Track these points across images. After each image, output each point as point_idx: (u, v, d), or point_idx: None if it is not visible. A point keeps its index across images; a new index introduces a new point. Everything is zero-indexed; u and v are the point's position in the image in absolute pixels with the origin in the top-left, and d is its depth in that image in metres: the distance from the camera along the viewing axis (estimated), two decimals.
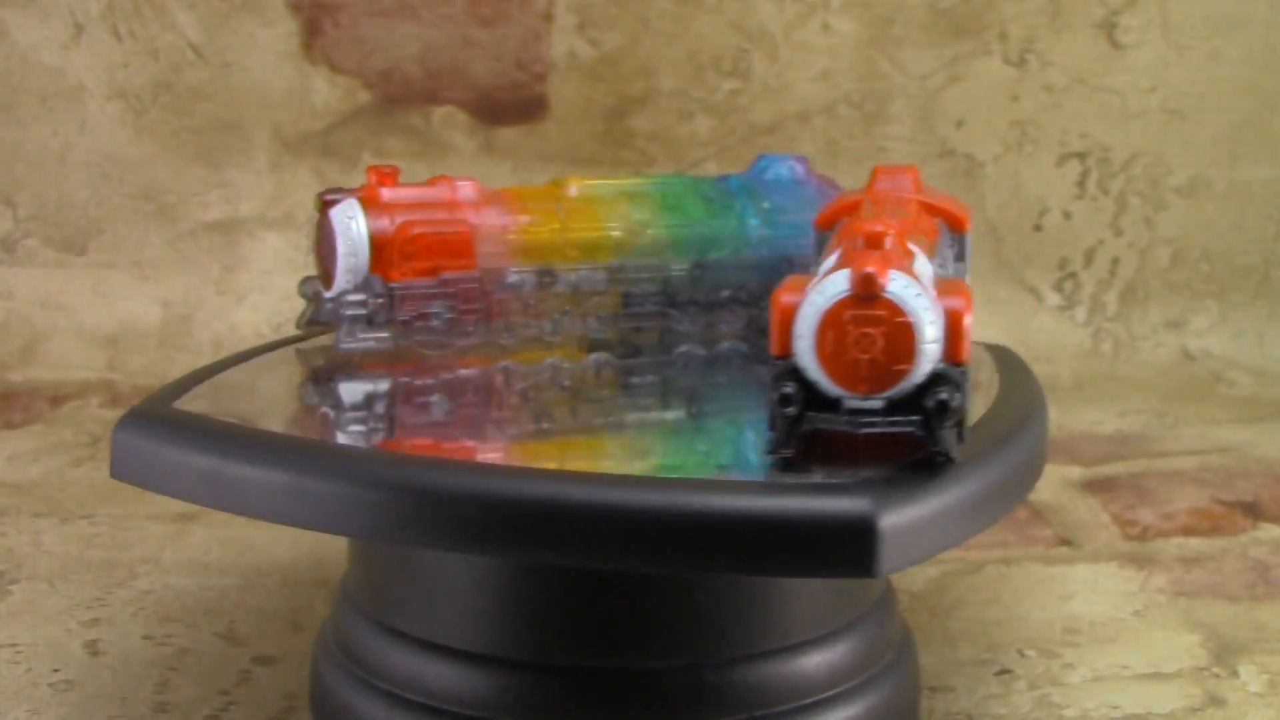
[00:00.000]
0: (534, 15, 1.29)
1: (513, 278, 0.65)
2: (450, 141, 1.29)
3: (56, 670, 0.66)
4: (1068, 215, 1.29)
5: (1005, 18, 1.28)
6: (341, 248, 0.62)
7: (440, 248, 0.63)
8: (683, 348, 0.69)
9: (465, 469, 0.49)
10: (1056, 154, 1.29)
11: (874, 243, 0.49)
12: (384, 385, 0.63)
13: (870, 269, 0.47)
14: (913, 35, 1.29)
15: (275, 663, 0.67)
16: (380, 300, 0.62)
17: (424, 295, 0.63)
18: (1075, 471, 0.97)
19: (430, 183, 0.65)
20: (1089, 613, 0.74)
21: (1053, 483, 0.95)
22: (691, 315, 0.69)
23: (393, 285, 0.62)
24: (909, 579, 0.78)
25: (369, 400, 0.62)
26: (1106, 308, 1.28)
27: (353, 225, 0.63)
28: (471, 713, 0.53)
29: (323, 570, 0.78)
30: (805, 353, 0.47)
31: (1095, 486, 0.95)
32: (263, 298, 1.26)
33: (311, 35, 1.29)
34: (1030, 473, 0.56)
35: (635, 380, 0.66)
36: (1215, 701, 0.64)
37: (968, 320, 0.48)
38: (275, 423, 0.60)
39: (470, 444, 0.58)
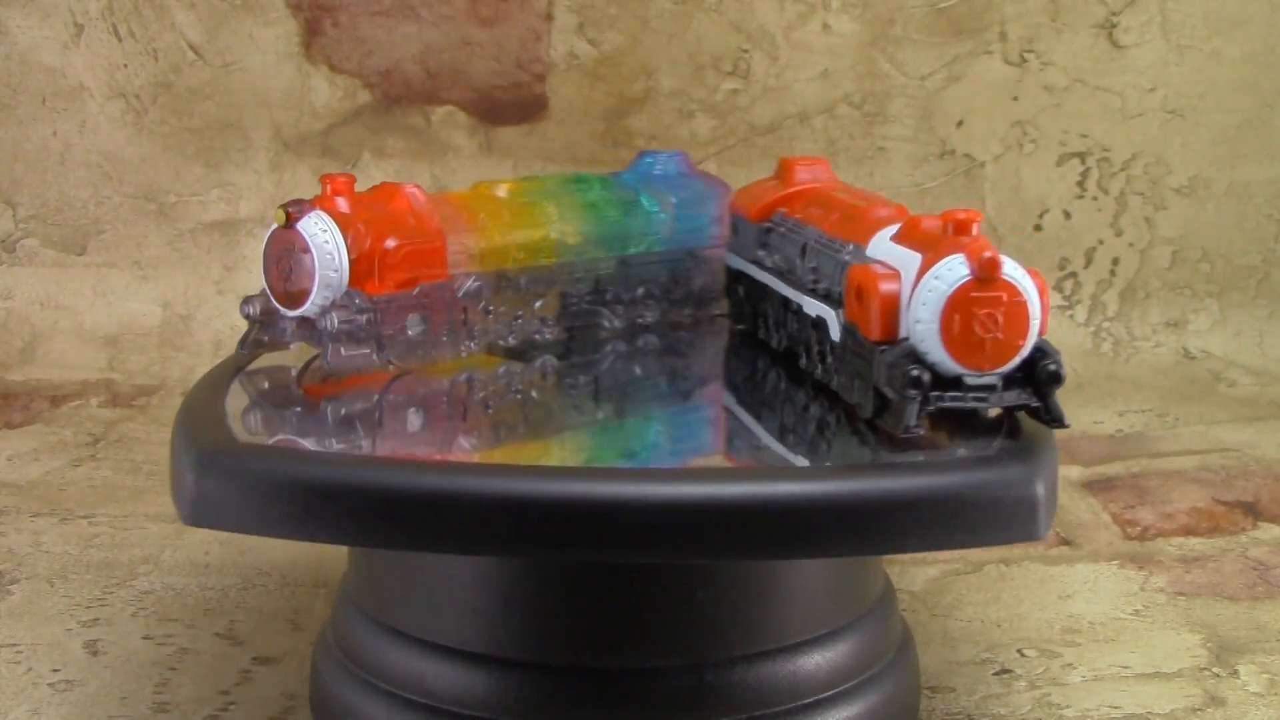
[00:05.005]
0: (534, 15, 1.29)
1: (472, 284, 0.64)
2: (450, 141, 1.29)
3: (56, 670, 0.66)
4: (1068, 215, 1.29)
5: (1005, 18, 1.28)
6: (318, 262, 0.59)
7: (417, 259, 0.61)
8: (610, 345, 0.70)
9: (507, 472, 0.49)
10: (1056, 154, 1.29)
11: (964, 228, 0.52)
12: (356, 403, 0.61)
13: (990, 253, 0.50)
14: (913, 35, 1.29)
15: (275, 663, 0.67)
16: (364, 315, 0.59)
17: (404, 308, 0.61)
18: (1075, 471, 0.97)
19: (375, 190, 0.63)
20: (1089, 613, 0.74)
21: None
22: (618, 312, 0.70)
23: (374, 299, 0.60)
24: (909, 579, 0.78)
25: (349, 419, 0.60)
26: (1106, 308, 1.28)
27: (329, 239, 0.59)
28: (471, 713, 0.53)
29: (323, 570, 0.78)
30: (929, 335, 0.51)
31: (1095, 486, 0.95)
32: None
33: (311, 35, 1.29)
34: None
35: (576, 380, 0.66)
36: (1215, 701, 0.64)
37: (1047, 298, 0.52)
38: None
39: (478, 449, 0.58)
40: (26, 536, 0.84)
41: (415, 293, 0.61)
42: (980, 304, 0.50)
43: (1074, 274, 1.29)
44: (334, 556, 0.79)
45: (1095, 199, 1.30)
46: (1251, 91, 1.29)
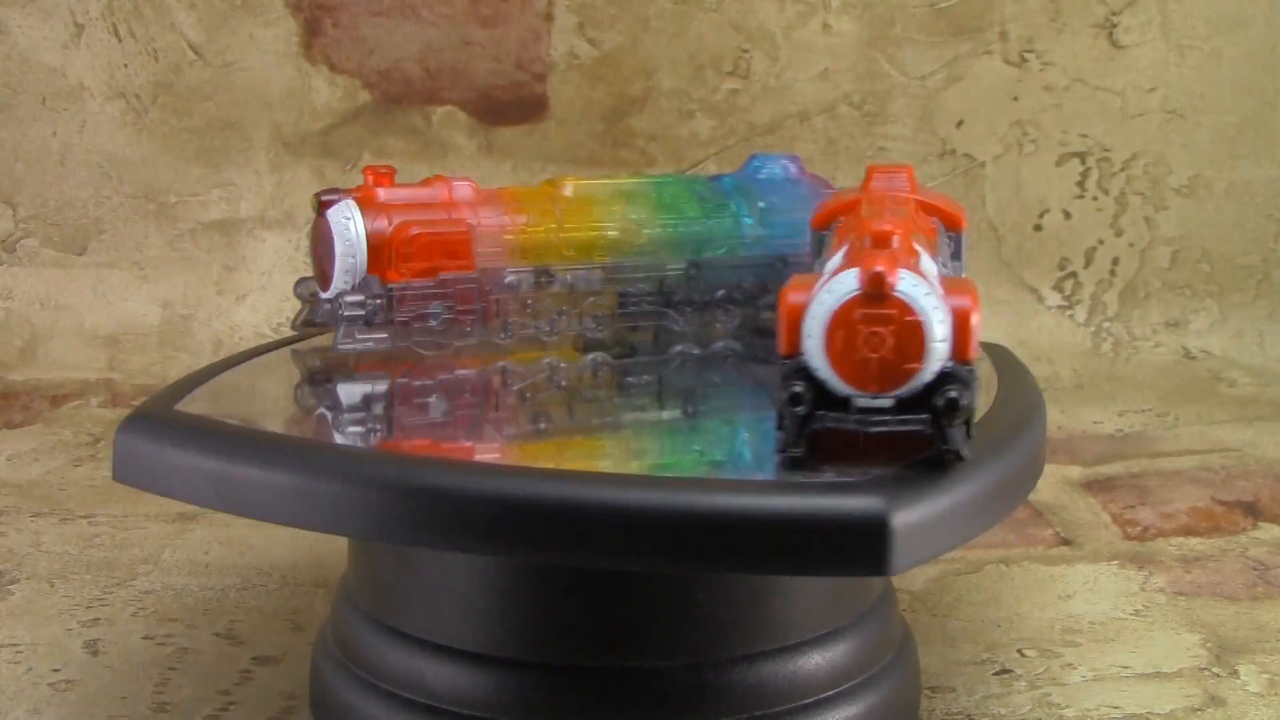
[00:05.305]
0: (534, 15, 1.29)
1: (510, 278, 0.65)
2: (450, 141, 1.29)
3: (56, 670, 0.66)
4: (1068, 215, 1.29)
5: (1005, 18, 1.28)
6: (339, 248, 0.62)
7: (438, 248, 0.63)
8: (678, 347, 0.69)
9: (460, 469, 0.49)
10: (1056, 154, 1.29)
11: (881, 242, 0.49)
12: (382, 386, 0.63)
13: (880, 268, 0.47)
14: (913, 35, 1.29)
15: (275, 663, 0.67)
16: (378, 301, 0.62)
17: (422, 296, 0.63)
18: (1075, 471, 0.97)
19: (426, 182, 0.65)
20: (1089, 613, 0.74)
21: (1053, 483, 0.95)
22: (687, 315, 0.69)
23: (390, 286, 0.62)
24: (909, 579, 0.78)
25: (368, 401, 0.62)
26: (1106, 308, 1.28)
27: (350, 226, 0.62)
28: (471, 713, 0.53)
29: (323, 570, 0.78)
30: (815, 351, 0.47)
31: (1095, 486, 0.95)
32: (263, 298, 1.26)
33: (311, 35, 1.29)
34: (1032, 472, 0.56)
35: (631, 380, 0.66)
36: (1215, 701, 0.64)
37: (976, 319, 0.48)
38: (274, 424, 0.60)
39: (467, 444, 0.58)
40: (26, 536, 0.84)
41: (434, 281, 0.63)
42: (868, 321, 0.47)
43: (1074, 274, 1.29)
44: (334, 556, 0.79)
45: (1095, 199, 1.30)
46: (1251, 91, 1.29)
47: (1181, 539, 0.85)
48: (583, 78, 1.29)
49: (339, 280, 0.62)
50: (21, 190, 1.29)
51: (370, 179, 0.64)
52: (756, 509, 0.46)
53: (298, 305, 0.66)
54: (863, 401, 0.47)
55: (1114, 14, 1.28)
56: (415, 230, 0.63)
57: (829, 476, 0.47)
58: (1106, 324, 1.27)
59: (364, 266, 0.62)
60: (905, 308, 0.47)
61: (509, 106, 1.29)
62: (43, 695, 0.64)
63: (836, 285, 0.47)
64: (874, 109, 1.29)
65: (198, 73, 1.29)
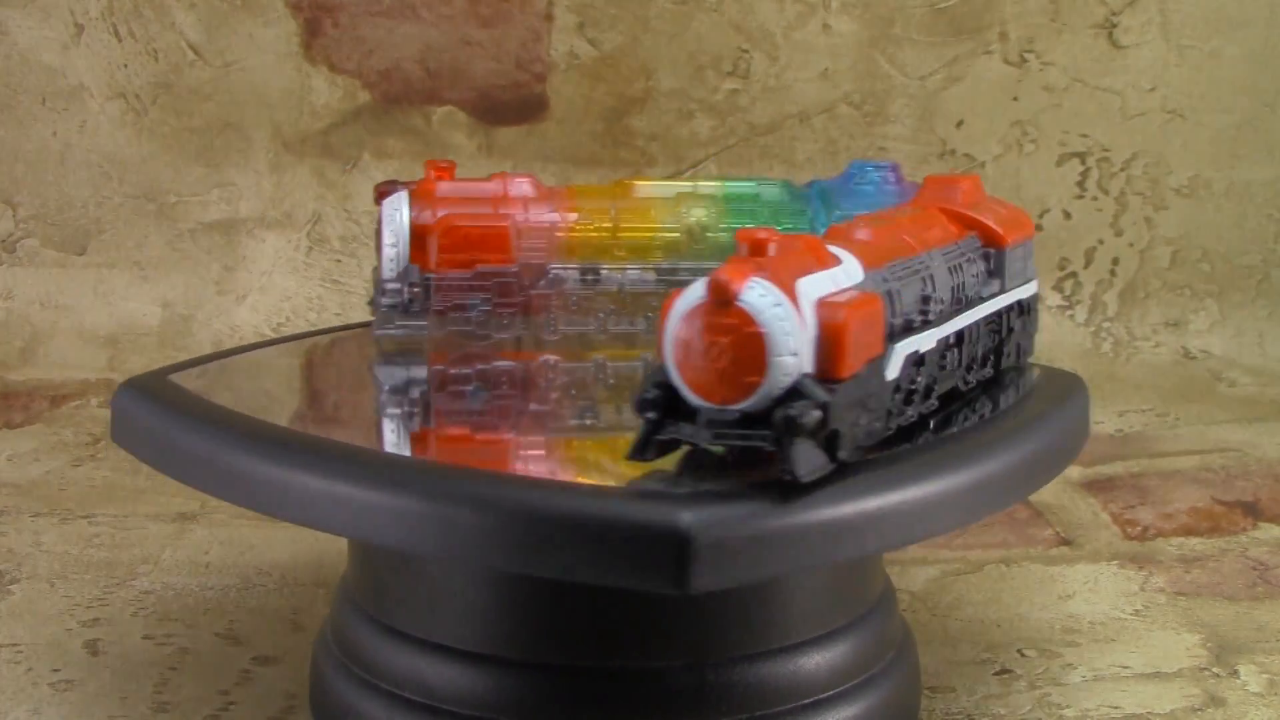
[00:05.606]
0: (534, 15, 1.29)
1: (553, 274, 0.66)
2: (450, 141, 1.29)
3: (56, 670, 0.66)
4: (1068, 215, 1.29)
5: (1005, 18, 1.28)
6: (385, 237, 0.65)
7: (478, 241, 0.65)
8: None
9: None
10: (1056, 154, 1.29)
11: (757, 249, 0.47)
12: (418, 374, 0.65)
13: (724, 276, 0.45)
14: (913, 35, 1.29)
15: (275, 663, 0.67)
16: (416, 289, 0.64)
17: (459, 287, 0.64)
18: (1075, 471, 0.97)
19: (490, 178, 0.67)
20: (1089, 613, 0.74)
21: (1053, 482, 0.95)
22: None
23: (428, 275, 0.64)
24: (909, 579, 0.78)
25: (405, 387, 0.65)
26: (1106, 308, 1.28)
27: (397, 216, 0.65)
28: (471, 713, 0.53)
29: (323, 570, 0.78)
30: (668, 359, 0.46)
31: (1095, 486, 0.95)
32: (262, 298, 1.26)
33: (311, 35, 1.29)
34: (886, 518, 0.50)
35: None
36: (1215, 701, 0.64)
37: (851, 336, 0.46)
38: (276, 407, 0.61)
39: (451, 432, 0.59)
40: (26, 536, 0.84)
41: (471, 274, 0.65)
42: (710, 330, 0.45)
43: (1074, 274, 1.29)
44: (334, 556, 0.79)
45: (1095, 199, 1.30)
46: (1251, 91, 1.29)
47: (1181, 539, 0.85)
48: (583, 78, 1.29)
49: (385, 268, 0.65)
50: (21, 190, 1.29)
51: (431, 173, 0.66)
52: (567, 512, 0.45)
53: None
54: (710, 413, 0.46)
55: (1114, 14, 1.28)
56: (455, 222, 0.65)
57: (683, 487, 0.46)
58: (1106, 324, 1.27)
59: (406, 255, 0.65)
60: (747, 318, 0.45)
61: (509, 106, 1.29)
62: (43, 695, 0.64)
63: (690, 292, 0.46)
64: (874, 109, 1.29)
65: (198, 73, 1.29)
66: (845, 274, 0.50)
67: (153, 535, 0.84)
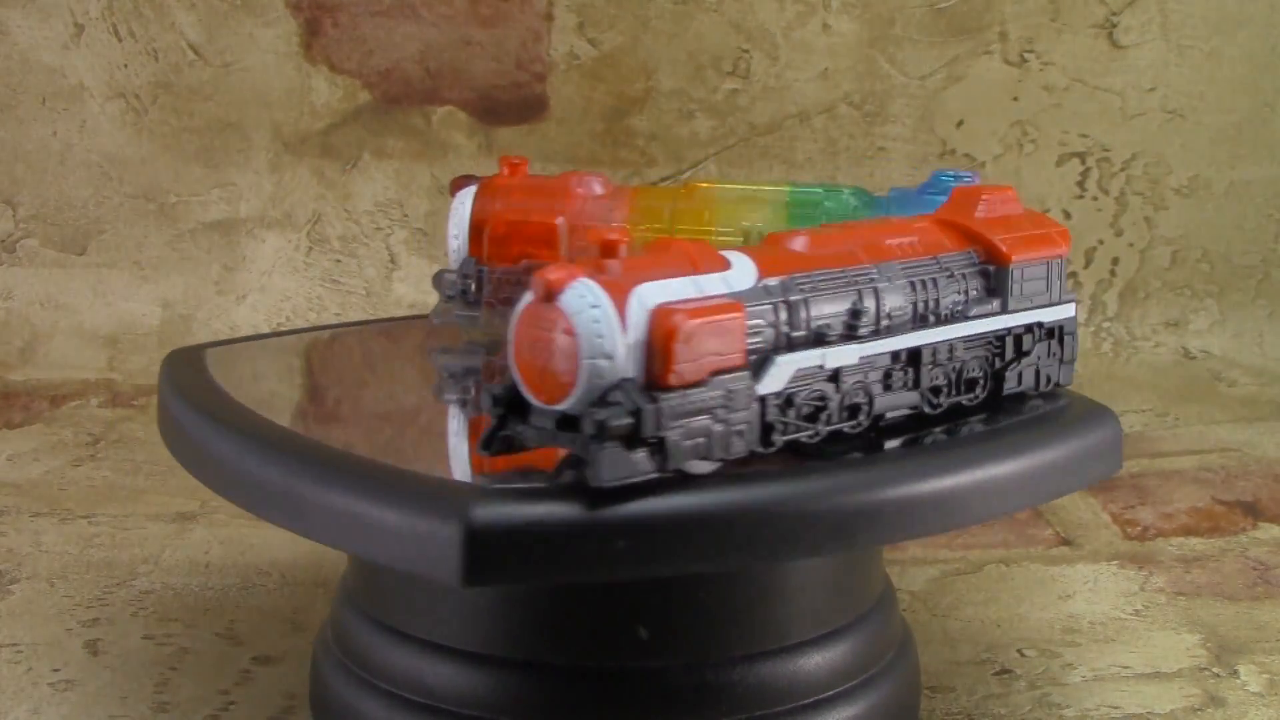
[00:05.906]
0: (534, 15, 1.29)
1: None
2: (450, 141, 1.29)
3: (56, 670, 0.66)
4: (1068, 215, 1.29)
5: (1005, 18, 1.28)
6: (450, 229, 0.67)
7: (527, 237, 0.66)
8: None
9: None
10: (1056, 154, 1.29)
11: (607, 250, 0.47)
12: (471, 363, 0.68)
13: (550, 275, 0.45)
14: (913, 35, 1.29)
15: (275, 663, 0.67)
16: (469, 280, 0.66)
17: (508, 281, 0.66)
18: None
19: (561, 177, 0.68)
20: (1089, 612, 0.74)
21: None
22: None
23: (482, 268, 0.66)
24: (909, 579, 0.78)
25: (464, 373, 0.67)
26: (1106, 308, 1.28)
27: (462, 209, 0.67)
28: (471, 713, 0.53)
29: (323, 570, 0.78)
30: (509, 355, 0.46)
31: (1095, 486, 0.95)
32: (262, 298, 1.26)
33: (311, 35, 1.29)
34: (686, 536, 0.48)
35: None
36: (1215, 701, 0.64)
37: (680, 343, 0.45)
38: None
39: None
40: (26, 536, 0.84)
41: (520, 268, 0.66)
42: (533, 328, 0.45)
43: (1074, 274, 1.29)
44: (334, 556, 0.79)
45: (1095, 199, 1.30)
46: (1251, 91, 1.29)
47: (1181, 539, 0.85)
48: (583, 78, 1.29)
49: (451, 259, 0.67)
50: (21, 190, 1.29)
51: (505, 168, 0.68)
52: (366, 498, 0.47)
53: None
54: (538, 411, 0.46)
55: (1114, 14, 1.28)
56: (506, 218, 0.67)
57: (515, 481, 0.48)
58: (1106, 324, 1.27)
59: (465, 247, 0.67)
60: (563, 319, 0.45)
61: (509, 106, 1.29)
62: (43, 695, 0.64)
63: (530, 290, 0.46)
64: (874, 109, 1.29)
65: (198, 73, 1.29)
66: (724, 281, 0.48)
67: (153, 535, 0.84)
